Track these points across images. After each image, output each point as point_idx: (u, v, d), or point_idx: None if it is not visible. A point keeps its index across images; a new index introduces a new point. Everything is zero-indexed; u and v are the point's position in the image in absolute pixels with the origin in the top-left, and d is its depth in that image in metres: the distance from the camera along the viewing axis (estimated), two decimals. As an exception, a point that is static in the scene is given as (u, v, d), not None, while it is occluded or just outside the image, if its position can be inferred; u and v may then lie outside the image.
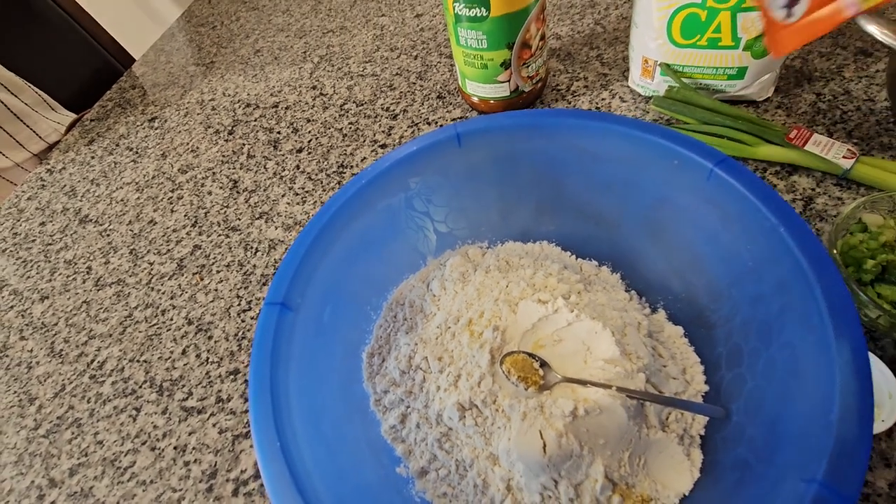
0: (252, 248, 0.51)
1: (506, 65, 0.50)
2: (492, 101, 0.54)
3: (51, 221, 0.61)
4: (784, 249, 0.25)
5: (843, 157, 0.40)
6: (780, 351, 0.26)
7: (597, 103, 0.55)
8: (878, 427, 0.29)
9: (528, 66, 0.51)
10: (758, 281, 0.28)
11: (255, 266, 0.50)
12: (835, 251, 0.33)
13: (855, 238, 0.34)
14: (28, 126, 0.75)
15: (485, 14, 0.45)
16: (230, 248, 0.52)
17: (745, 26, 0.42)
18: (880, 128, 0.44)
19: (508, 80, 0.51)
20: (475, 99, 0.55)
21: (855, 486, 0.19)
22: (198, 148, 0.65)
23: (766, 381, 0.26)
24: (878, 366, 0.31)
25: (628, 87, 0.55)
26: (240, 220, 0.54)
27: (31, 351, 0.48)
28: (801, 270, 0.24)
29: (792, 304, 0.25)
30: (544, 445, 0.28)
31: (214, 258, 0.51)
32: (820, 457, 0.20)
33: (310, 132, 0.62)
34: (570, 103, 0.56)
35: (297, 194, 0.55)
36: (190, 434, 0.39)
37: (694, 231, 0.33)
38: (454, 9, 0.46)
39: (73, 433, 0.41)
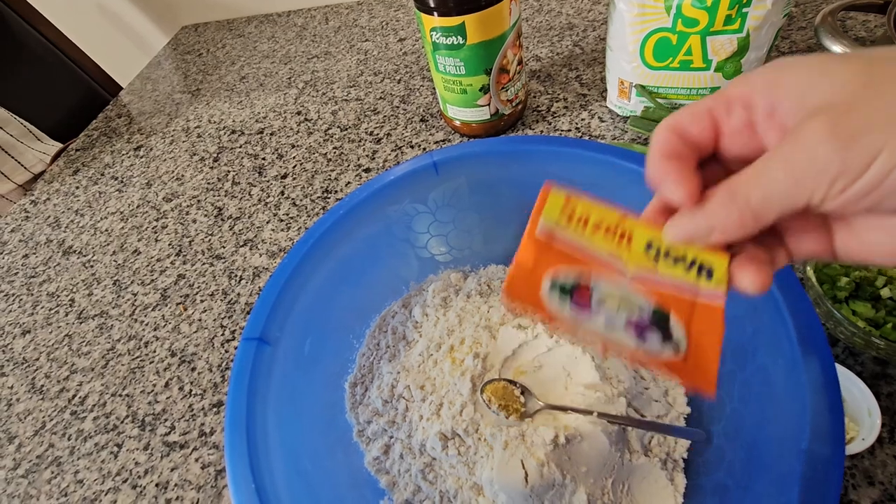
0: (236, 276, 0.51)
1: (485, 89, 0.50)
2: (473, 125, 0.55)
3: (34, 253, 0.60)
4: (754, 273, 0.26)
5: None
6: (754, 374, 0.26)
7: (576, 124, 0.56)
8: (859, 446, 0.29)
9: (506, 90, 0.52)
10: (731, 302, 0.28)
11: (239, 294, 0.49)
12: (809, 269, 0.33)
13: (828, 255, 0.34)
14: (13, 157, 0.75)
15: (461, 42, 0.46)
16: (214, 277, 0.52)
17: (716, 49, 0.44)
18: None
19: (488, 104, 0.52)
20: (457, 122, 0.56)
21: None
22: (183, 176, 0.65)
23: (744, 405, 0.26)
24: (857, 383, 0.31)
25: (607, 107, 0.56)
26: (224, 247, 0.54)
27: (12, 387, 0.47)
28: (770, 294, 0.25)
29: (763, 328, 0.25)
30: (526, 475, 0.28)
31: (198, 287, 0.51)
32: (793, 484, 0.20)
33: (294, 158, 0.62)
34: (550, 124, 0.56)
35: (282, 220, 0.55)
36: (172, 470, 0.39)
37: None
38: (432, 37, 0.47)
39: (52, 472, 0.41)
